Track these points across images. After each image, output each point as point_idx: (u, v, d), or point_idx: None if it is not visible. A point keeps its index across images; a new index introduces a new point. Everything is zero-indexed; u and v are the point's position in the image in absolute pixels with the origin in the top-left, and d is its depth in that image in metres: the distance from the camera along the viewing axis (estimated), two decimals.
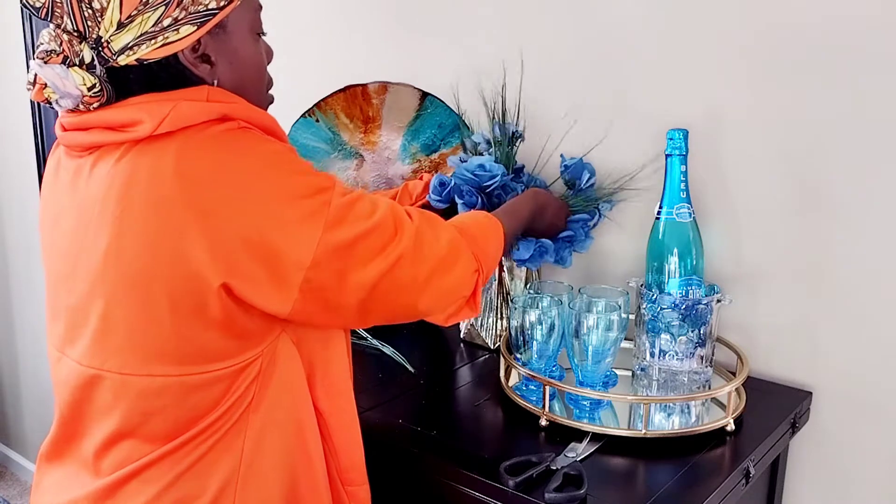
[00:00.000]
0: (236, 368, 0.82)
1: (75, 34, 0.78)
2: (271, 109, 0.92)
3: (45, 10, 0.78)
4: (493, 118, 1.26)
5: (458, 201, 1.18)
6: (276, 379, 0.86)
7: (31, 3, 0.78)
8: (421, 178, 1.31)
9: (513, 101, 1.30)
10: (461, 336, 1.35)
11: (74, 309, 0.84)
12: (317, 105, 1.40)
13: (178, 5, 0.77)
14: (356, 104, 1.40)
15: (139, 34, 0.77)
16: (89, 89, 0.78)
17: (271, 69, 0.93)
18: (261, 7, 0.89)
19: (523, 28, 1.36)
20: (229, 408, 0.83)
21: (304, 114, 1.40)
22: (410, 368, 1.23)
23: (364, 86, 1.39)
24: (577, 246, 1.23)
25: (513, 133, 1.24)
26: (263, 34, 0.90)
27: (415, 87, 1.37)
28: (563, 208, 1.21)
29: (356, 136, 1.42)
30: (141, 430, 0.82)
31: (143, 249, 0.77)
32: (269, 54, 0.92)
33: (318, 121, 1.40)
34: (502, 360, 1.15)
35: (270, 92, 0.94)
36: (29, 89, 0.82)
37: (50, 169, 0.89)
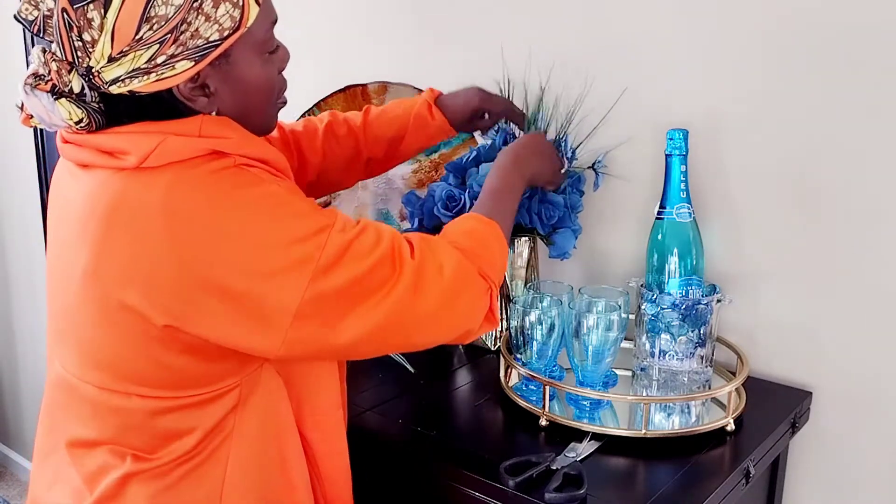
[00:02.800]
0: (210, 396, 0.82)
1: (65, 62, 0.75)
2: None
3: (37, 25, 0.76)
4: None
5: None
6: (260, 410, 0.85)
7: (24, 17, 0.77)
8: (430, 107, 1.16)
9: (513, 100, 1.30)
10: None
11: (62, 315, 0.84)
12: (317, 105, 1.40)
13: (174, 42, 0.73)
14: (356, 104, 1.40)
15: (131, 69, 0.74)
16: (76, 122, 0.76)
17: None
18: (274, 22, 0.83)
19: (524, 28, 1.35)
20: (206, 434, 0.82)
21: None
22: (410, 368, 1.23)
23: (364, 86, 1.39)
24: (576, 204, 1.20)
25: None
26: (275, 51, 0.85)
27: (415, 87, 1.37)
28: (552, 161, 1.11)
29: None
30: (117, 440, 0.83)
31: (118, 276, 0.76)
32: (285, 62, 0.88)
33: None
34: (502, 360, 1.15)
35: (284, 94, 0.90)
36: (18, 112, 0.81)
37: (59, 168, 0.89)
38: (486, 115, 1.18)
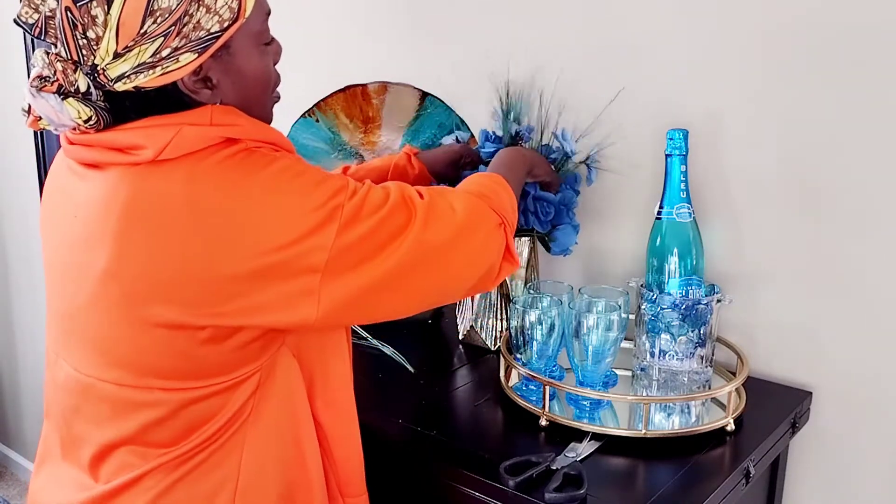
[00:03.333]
0: (233, 383, 0.82)
1: (70, 62, 0.75)
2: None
3: (38, 28, 0.76)
4: (506, 113, 1.25)
5: None
6: (275, 393, 0.85)
7: (25, 21, 0.77)
8: (409, 157, 1.26)
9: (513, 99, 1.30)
10: (461, 337, 1.35)
11: (70, 316, 0.83)
12: (317, 105, 1.40)
13: (177, 35, 0.74)
14: (356, 104, 1.40)
15: (136, 64, 0.75)
16: (85, 121, 0.77)
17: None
18: (269, 14, 0.85)
19: (524, 28, 1.35)
20: (227, 421, 0.83)
21: (304, 114, 1.40)
22: (410, 368, 1.23)
23: (364, 86, 1.39)
24: (571, 206, 1.22)
25: (516, 133, 1.24)
26: (270, 43, 0.87)
27: (415, 87, 1.37)
28: (545, 160, 1.19)
29: (356, 136, 1.42)
30: (138, 439, 0.82)
31: (143, 272, 0.76)
32: (278, 54, 0.89)
33: (318, 121, 1.40)
34: (502, 360, 1.15)
35: (277, 89, 0.92)
36: (24, 116, 0.81)
37: (56, 166, 0.89)
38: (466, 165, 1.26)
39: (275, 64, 0.89)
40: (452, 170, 1.25)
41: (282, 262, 0.76)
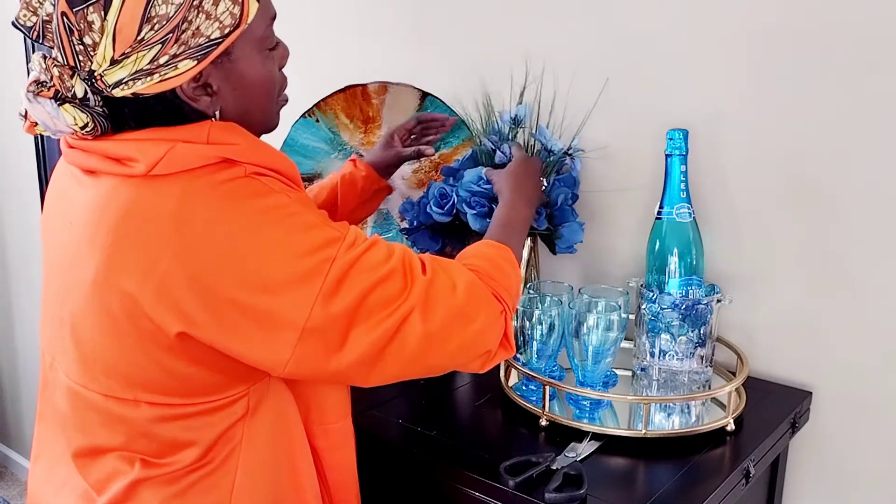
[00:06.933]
0: (220, 404, 0.81)
1: (66, 67, 0.74)
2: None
3: (36, 31, 0.75)
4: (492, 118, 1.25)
5: (470, 212, 1.14)
6: (269, 419, 0.84)
7: (23, 23, 0.76)
8: (354, 161, 1.27)
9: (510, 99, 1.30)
10: None
11: (63, 322, 0.83)
12: (317, 105, 1.40)
13: (176, 42, 0.73)
14: (356, 104, 1.40)
15: (134, 71, 0.73)
16: (82, 128, 0.76)
17: None
18: (274, 18, 0.83)
19: (524, 29, 1.35)
20: (216, 441, 0.82)
21: (304, 114, 1.40)
22: None
23: (364, 86, 1.38)
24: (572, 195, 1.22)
25: (514, 117, 1.23)
26: (274, 48, 0.85)
27: (415, 87, 1.37)
28: (537, 165, 1.14)
29: (356, 136, 1.42)
30: (125, 447, 0.82)
31: (128, 286, 0.75)
32: (284, 58, 0.87)
33: (318, 121, 1.40)
34: None
35: (285, 92, 0.90)
36: (21, 121, 0.80)
37: (59, 169, 0.88)
38: (400, 140, 1.28)
39: (280, 68, 0.87)
40: (391, 154, 1.27)
41: (263, 306, 0.74)
